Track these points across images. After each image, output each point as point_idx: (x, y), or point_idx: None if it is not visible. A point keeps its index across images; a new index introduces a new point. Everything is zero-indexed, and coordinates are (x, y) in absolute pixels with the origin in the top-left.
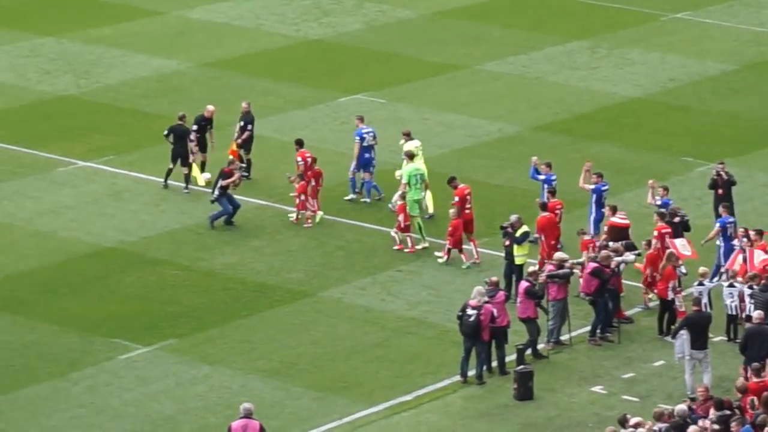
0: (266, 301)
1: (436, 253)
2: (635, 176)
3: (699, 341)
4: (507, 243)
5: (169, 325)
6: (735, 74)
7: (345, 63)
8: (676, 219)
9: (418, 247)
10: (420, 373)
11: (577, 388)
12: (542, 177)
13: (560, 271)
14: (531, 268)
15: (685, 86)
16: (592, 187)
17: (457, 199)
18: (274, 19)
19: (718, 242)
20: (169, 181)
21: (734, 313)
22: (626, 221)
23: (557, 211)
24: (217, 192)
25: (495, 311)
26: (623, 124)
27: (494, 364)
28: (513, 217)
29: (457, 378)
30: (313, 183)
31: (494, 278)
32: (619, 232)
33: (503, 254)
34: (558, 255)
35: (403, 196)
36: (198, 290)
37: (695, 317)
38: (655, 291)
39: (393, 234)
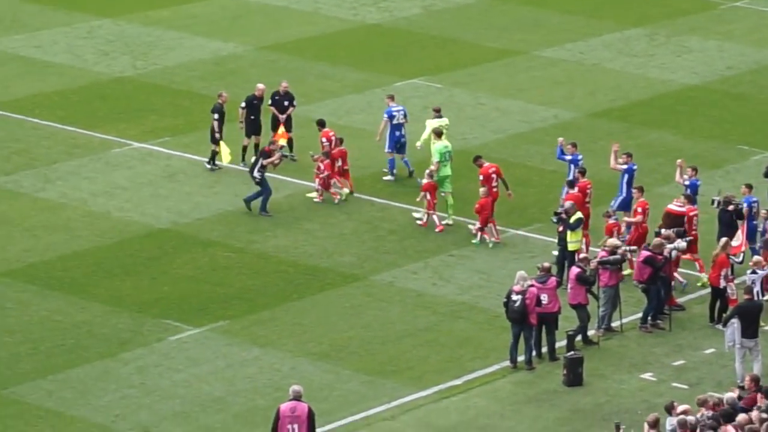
0: (318, 284)
1: (474, 239)
2: (691, 164)
3: (750, 330)
4: (561, 229)
5: (220, 307)
6: None
7: (402, 47)
8: (731, 207)
9: (444, 222)
10: (470, 358)
11: (627, 375)
12: (569, 157)
13: (612, 257)
14: (582, 254)
15: (743, 74)
16: (625, 167)
17: (481, 177)
18: (331, 2)
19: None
20: (217, 162)
21: None
22: (683, 208)
23: (588, 191)
24: (258, 173)
25: (543, 295)
26: (680, 112)
27: (544, 349)
28: (567, 204)
29: (507, 363)
30: (339, 162)
31: (546, 264)
32: (675, 219)
33: (556, 240)
34: (611, 241)
35: (431, 175)
36: (250, 272)
37: (747, 306)
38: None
39: (433, 217)
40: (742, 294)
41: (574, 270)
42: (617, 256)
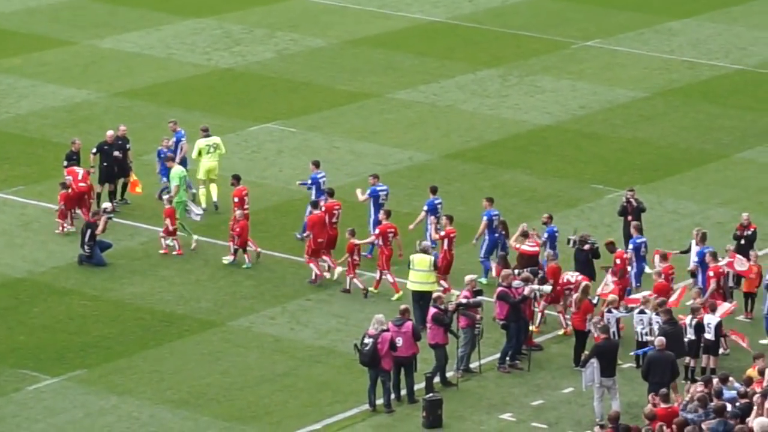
0: (175, 330)
1: (225, 258)
2: (546, 204)
3: (608, 369)
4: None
5: (77, 356)
6: (645, 101)
7: (256, 92)
8: (586, 246)
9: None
10: (329, 402)
11: (486, 416)
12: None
13: (470, 301)
14: (435, 294)
15: (596, 114)
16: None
17: (236, 199)
18: (184, 48)
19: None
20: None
21: (644, 339)
22: (536, 248)
23: (335, 212)
24: (87, 248)
25: (399, 339)
26: (533, 152)
27: (403, 392)
28: (425, 244)
29: (366, 407)
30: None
31: (402, 306)
32: (528, 260)
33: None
34: (469, 277)
35: (170, 200)
36: (106, 320)
37: (604, 345)
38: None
39: (161, 241)
40: (600, 333)
41: (432, 310)
42: (477, 299)
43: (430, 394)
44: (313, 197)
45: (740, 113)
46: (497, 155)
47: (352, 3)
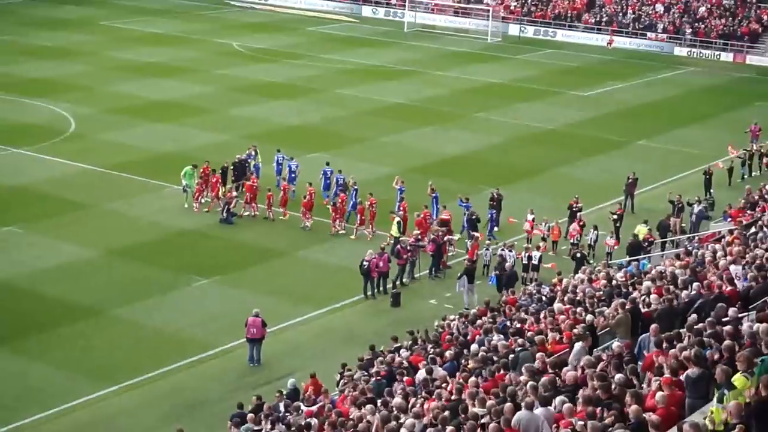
0: None
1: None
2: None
3: (471, 280)
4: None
5: None
6: None
7: None
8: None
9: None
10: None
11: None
12: None
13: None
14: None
15: None
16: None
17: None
18: None
19: None
20: None
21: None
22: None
23: None
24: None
25: (380, 263)
26: None
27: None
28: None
29: (361, 296)
30: None
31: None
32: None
33: None
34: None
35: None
36: None
37: (470, 267)
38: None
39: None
40: None
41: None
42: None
43: (394, 289)
44: None
45: None
46: None
47: None
